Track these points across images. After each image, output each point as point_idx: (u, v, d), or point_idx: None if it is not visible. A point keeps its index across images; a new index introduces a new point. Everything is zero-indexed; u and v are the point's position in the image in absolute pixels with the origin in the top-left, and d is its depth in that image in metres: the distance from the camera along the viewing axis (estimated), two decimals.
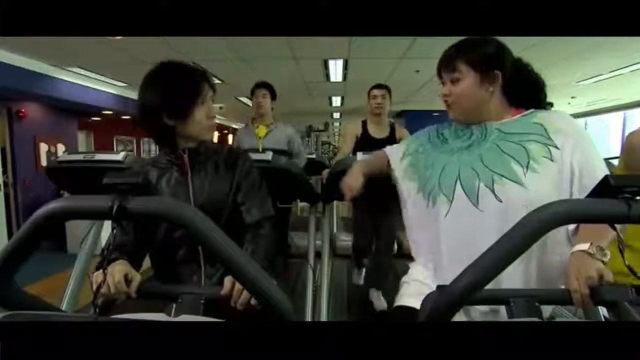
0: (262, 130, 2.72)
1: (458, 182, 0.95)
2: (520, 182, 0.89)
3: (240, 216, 1.14)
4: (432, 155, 1.08)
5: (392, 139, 2.69)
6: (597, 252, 0.77)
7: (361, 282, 3.06)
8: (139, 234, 1.08)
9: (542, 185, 0.88)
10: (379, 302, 2.71)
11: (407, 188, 1.13)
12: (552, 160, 0.90)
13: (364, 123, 2.76)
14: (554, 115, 0.97)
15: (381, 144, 2.62)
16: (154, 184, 1.11)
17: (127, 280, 0.87)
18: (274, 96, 2.77)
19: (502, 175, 0.91)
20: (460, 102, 1.00)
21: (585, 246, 0.79)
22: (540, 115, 0.97)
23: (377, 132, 2.71)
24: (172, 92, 1.03)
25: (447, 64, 1.01)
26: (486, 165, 0.94)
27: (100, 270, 0.72)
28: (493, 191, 0.90)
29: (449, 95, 1.01)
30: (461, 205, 0.94)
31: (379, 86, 2.72)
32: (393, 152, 1.23)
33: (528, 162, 0.90)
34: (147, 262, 1.13)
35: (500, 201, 0.89)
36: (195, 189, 1.10)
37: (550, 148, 0.90)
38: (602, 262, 0.76)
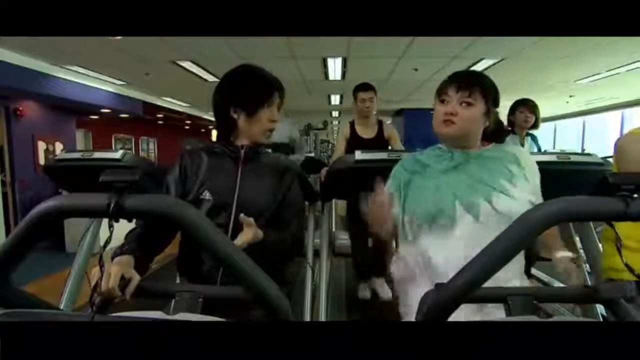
0: None
1: (456, 200, 1.04)
2: (511, 194, 1.03)
3: (273, 225, 1.16)
4: (416, 182, 1.11)
5: (379, 138, 2.69)
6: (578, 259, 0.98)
7: (368, 296, 2.79)
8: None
9: (522, 197, 1.04)
10: (384, 290, 2.64)
11: (402, 230, 1.12)
12: (526, 181, 1.07)
13: (352, 124, 2.74)
14: (517, 149, 1.19)
15: (369, 143, 2.63)
16: (201, 167, 1.18)
17: (124, 280, 0.87)
18: None
19: (496, 189, 1.04)
20: (464, 124, 1.07)
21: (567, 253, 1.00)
22: (509, 147, 1.16)
23: (365, 132, 2.71)
24: (246, 90, 1.17)
25: (464, 86, 1.06)
26: (481, 182, 1.05)
27: (98, 268, 0.72)
28: (491, 203, 1.02)
29: (456, 115, 1.06)
30: (463, 221, 1.02)
31: (365, 88, 2.64)
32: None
33: (511, 179, 1.06)
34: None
35: (498, 212, 1.01)
36: (242, 184, 1.16)
37: (522, 171, 1.08)
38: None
